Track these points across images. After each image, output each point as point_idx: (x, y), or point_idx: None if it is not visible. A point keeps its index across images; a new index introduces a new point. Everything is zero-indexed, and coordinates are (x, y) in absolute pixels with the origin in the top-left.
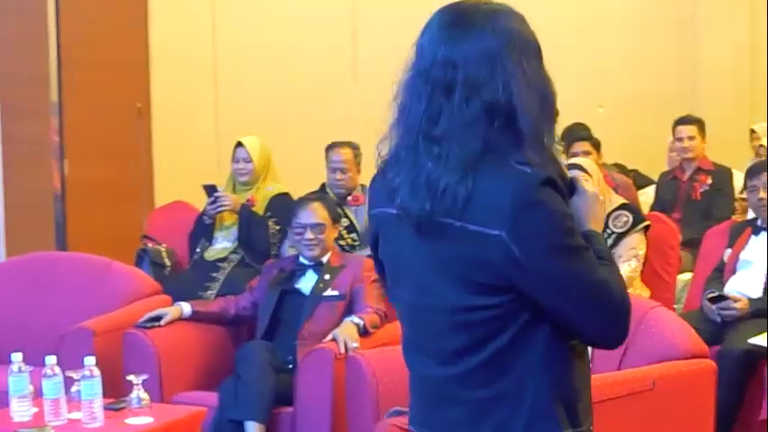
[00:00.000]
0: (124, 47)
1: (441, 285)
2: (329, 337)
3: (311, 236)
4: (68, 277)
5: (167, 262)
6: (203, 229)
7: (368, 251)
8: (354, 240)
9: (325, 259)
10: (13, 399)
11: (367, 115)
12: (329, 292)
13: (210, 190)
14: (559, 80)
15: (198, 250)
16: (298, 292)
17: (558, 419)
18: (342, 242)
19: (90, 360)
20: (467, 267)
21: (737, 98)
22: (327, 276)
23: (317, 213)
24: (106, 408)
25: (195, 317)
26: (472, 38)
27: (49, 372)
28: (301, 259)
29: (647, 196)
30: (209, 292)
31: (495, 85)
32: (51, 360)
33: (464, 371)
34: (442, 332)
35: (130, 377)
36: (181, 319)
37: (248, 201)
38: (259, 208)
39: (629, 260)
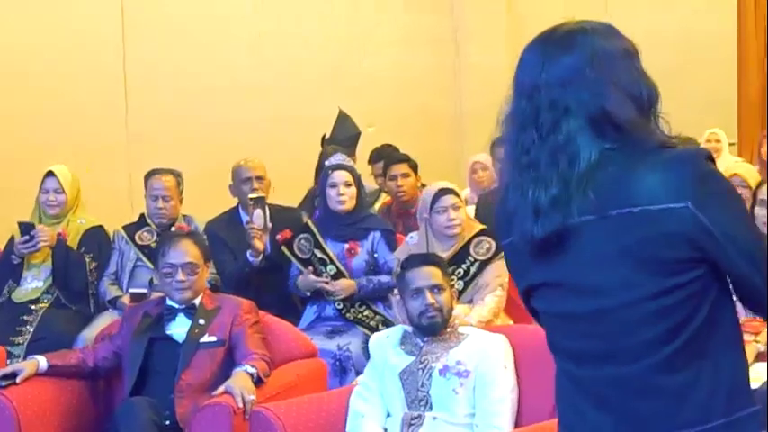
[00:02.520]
0: None
1: (630, 277)
2: (221, 389)
3: (182, 277)
4: None
5: None
6: (11, 270)
7: None
8: None
9: (197, 302)
10: None
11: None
12: (206, 338)
13: (26, 227)
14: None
15: (4, 292)
16: (170, 338)
17: (750, 394)
18: None
19: None
20: (655, 248)
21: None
22: (202, 321)
23: (188, 252)
24: None
25: (52, 371)
26: (554, 63)
27: None
28: (169, 302)
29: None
30: (22, 337)
31: (584, 101)
32: None
33: (662, 359)
34: (634, 327)
35: None
36: (37, 374)
37: (60, 235)
38: (72, 242)
39: (494, 289)
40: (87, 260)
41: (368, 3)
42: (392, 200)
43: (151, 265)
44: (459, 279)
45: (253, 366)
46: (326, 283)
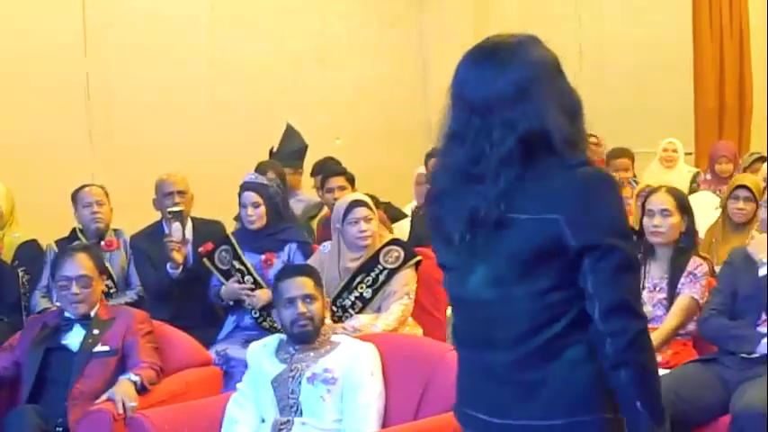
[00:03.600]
0: None
1: (510, 277)
2: (104, 396)
3: (77, 290)
4: None
5: None
6: None
7: (127, 298)
8: (110, 288)
9: (93, 313)
10: None
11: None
12: (99, 348)
13: None
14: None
15: None
16: (65, 348)
17: (597, 404)
18: None
19: None
20: (532, 253)
21: None
22: (96, 331)
23: (81, 264)
24: None
25: None
26: (502, 77)
27: None
28: (67, 313)
29: (400, 230)
30: None
31: (528, 117)
32: None
33: (519, 356)
34: (506, 322)
35: None
36: None
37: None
38: (6, 256)
39: (401, 298)
40: (20, 273)
41: (332, 15)
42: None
43: None
44: (367, 287)
45: (137, 375)
46: (250, 290)
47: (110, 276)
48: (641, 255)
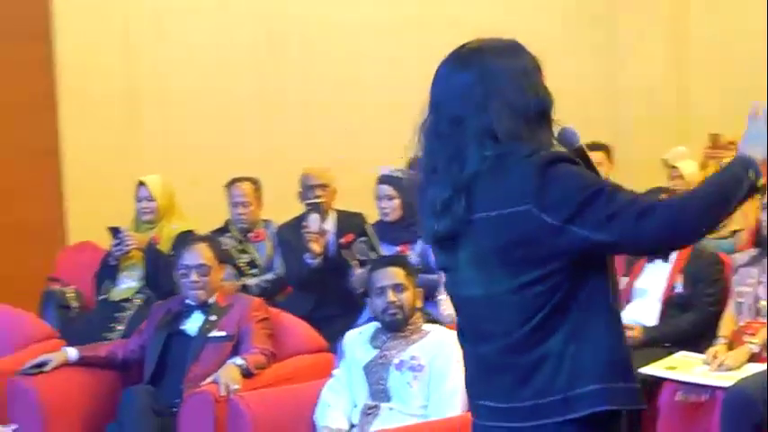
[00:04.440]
0: (26, 87)
1: (493, 273)
2: (210, 379)
3: (195, 278)
4: None
5: (74, 304)
6: (108, 270)
7: (267, 276)
8: (255, 275)
9: (211, 300)
10: None
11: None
12: (215, 333)
13: (115, 231)
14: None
15: (102, 291)
16: (184, 333)
17: (595, 375)
18: (243, 278)
19: None
20: (511, 248)
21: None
22: (214, 317)
23: (201, 254)
24: None
25: (82, 362)
26: (454, 75)
27: None
28: (188, 300)
29: None
30: (115, 333)
31: (473, 114)
32: None
33: (512, 344)
34: (497, 314)
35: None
36: (67, 364)
37: (152, 239)
38: (164, 246)
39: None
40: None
41: (525, 11)
42: None
43: (231, 269)
44: None
45: (243, 359)
46: None
47: (256, 266)
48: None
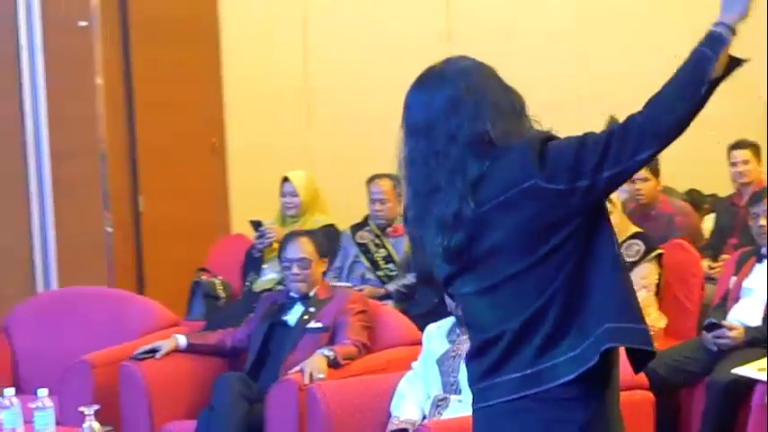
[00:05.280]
0: (196, 85)
1: (512, 256)
2: (297, 368)
3: (296, 270)
4: (92, 311)
5: (222, 294)
6: (252, 262)
7: (405, 281)
8: (392, 271)
9: (312, 293)
10: None
11: None
12: (313, 324)
13: (256, 225)
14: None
15: (247, 282)
16: (285, 324)
17: (607, 318)
18: (379, 272)
19: (43, 392)
20: (528, 225)
21: None
22: (313, 309)
23: (302, 248)
24: None
25: (191, 349)
26: (435, 96)
27: (6, 403)
28: (291, 292)
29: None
30: None
31: (466, 124)
32: (43, 392)
33: (533, 313)
34: (517, 293)
35: (82, 408)
36: (177, 350)
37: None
38: None
39: (639, 290)
40: None
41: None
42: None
43: (367, 263)
44: None
45: (332, 350)
46: None
47: (392, 260)
48: None
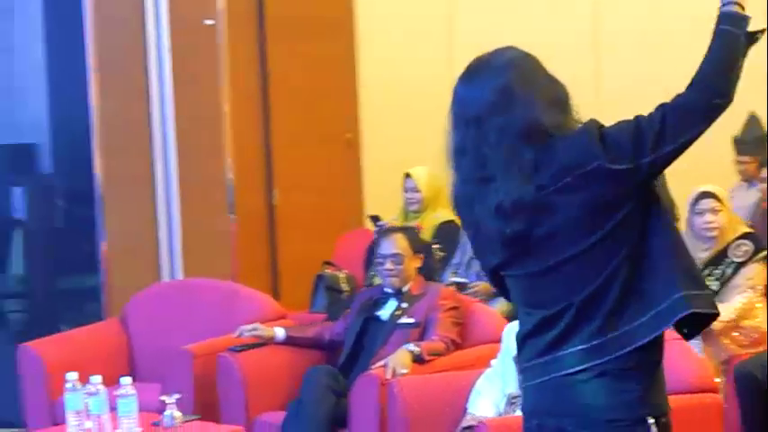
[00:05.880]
0: (332, 80)
1: (575, 236)
2: (381, 363)
3: (390, 266)
4: (202, 302)
5: (345, 287)
6: (373, 257)
7: None
8: None
9: (405, 288)
10: (68, 414)
11: None
12: (404, 320)
13: (375, 220)
14: None
15: (368, 276)
16: (378, 319)
17: (675, 286)
18: None
19: (126, 380)
20: (589, 206)
21: None
22: (405, 304)
23: (396, 244)
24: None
25: (289, 341)
26: (485, 88)
27: (93, 390)
28: (386, 288)
29: None
30: None
31: (517, 116)
32: (126, 381)
33: (597, 286)
34: (582, 268)
35: (163, 397)
36: (275, 343)
37: (415, 227)
38: (426, 234)
39: (744, 291)
40: (435, 250)
41: None
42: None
43: None
44: (715, 280)
45: (417, 345)
46: None
47: None
48: None
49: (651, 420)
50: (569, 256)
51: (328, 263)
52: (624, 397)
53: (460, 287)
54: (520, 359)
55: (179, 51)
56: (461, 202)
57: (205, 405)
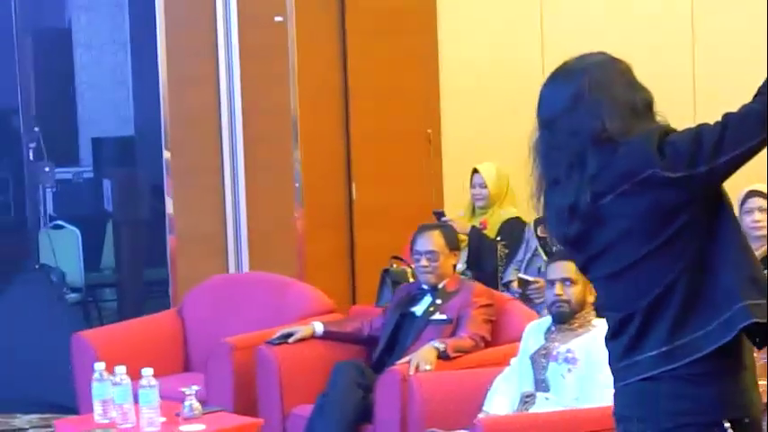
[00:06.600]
0: (413, 75)
1: (635, 243)
2: (406, 358)
3: (425, 262)
4: (254, 295)
5: (412, 282)
6: None
7: None
8: None
9: (441, 285)
10: (95, 403)
11: None
12: (437, 316)
13: (439, 216)
14: None
15: None
16: (412, 314)
17: (740, 295)
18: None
19: (148, 371)
20: (647, 212)
21: None
22: (439, 301)
23: (432, 241)
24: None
25: (327, 336)
26: (561, 92)
27: (117, 380)
28: (422, 284)
29: None
30: None
31: (586, 121)
32: (147, 372)
33: (663, 290)
34: (644, 282)
35: (183, 388)
36: (313, 337)
37: (481, 224)
38: (491, 231)
39: None
40: (500, 247)
41: None
42: None
43: (545, 256)
44: None
45: (443, 342)
46: None
47: None
48: None
49: (727, 424)
50: (632, 262)
51: (396, 257)
52: (697, 402)
53: (525, 284)
54: (608, 361)
55: (249, 49)
56: (538, 203)
57: (246, 397)
